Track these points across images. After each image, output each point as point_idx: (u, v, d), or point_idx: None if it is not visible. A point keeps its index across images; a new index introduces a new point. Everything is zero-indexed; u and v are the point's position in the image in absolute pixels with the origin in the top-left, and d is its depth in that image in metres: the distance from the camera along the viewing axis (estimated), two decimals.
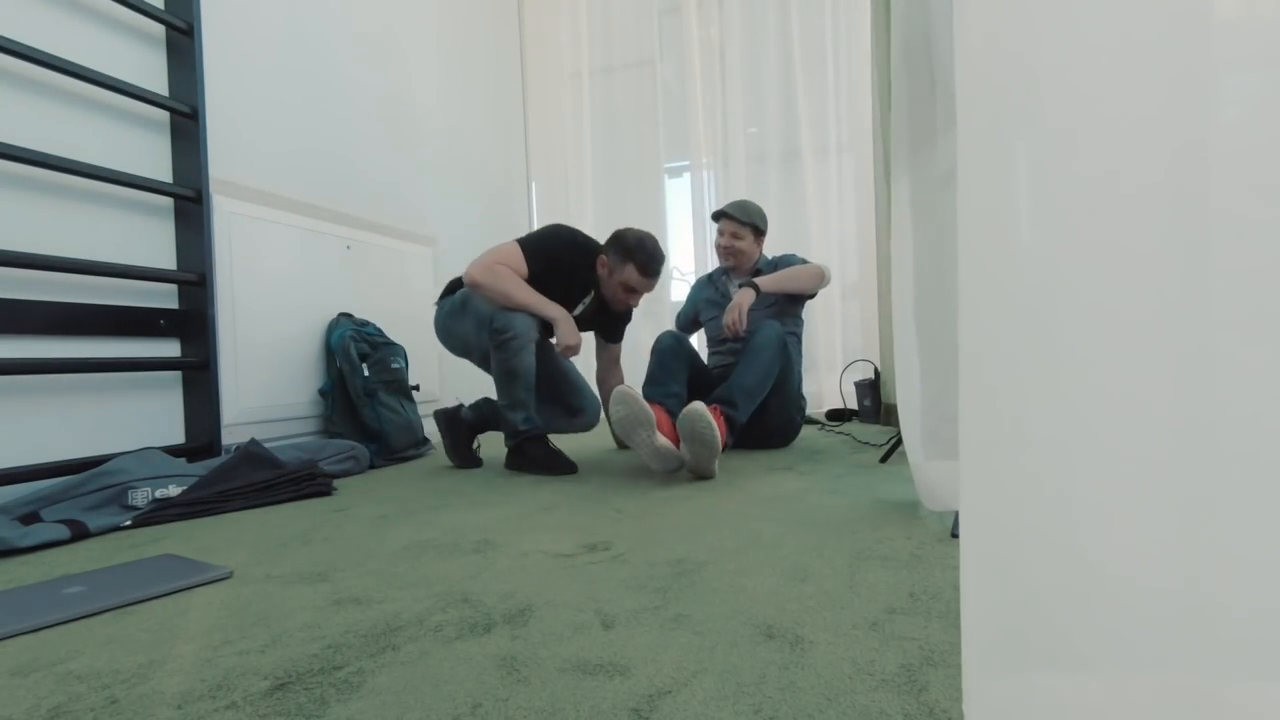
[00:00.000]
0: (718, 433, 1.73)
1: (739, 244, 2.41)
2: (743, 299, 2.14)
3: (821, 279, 2.30)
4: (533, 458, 2.03)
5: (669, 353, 2.13)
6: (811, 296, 2.50)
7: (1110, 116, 0.39)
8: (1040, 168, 0.42)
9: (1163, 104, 0.38)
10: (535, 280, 2.06)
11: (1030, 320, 0.42)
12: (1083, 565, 0.40)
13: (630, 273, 2.08)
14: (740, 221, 2.41)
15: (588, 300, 2.23)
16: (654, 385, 2.05)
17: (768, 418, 2.25)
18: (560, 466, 1.99)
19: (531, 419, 2.06)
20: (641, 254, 2.07)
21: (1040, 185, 0.42)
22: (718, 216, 2.48)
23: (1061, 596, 0.41)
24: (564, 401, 2.26)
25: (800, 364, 2.49)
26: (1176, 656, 0.37)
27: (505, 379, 2.01)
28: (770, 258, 2.53)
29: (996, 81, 0.43)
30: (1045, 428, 0.42)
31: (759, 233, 2.45)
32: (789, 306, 2.47)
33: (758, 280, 2.20)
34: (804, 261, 2.45)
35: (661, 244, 2.29)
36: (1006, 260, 0.43)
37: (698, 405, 1.73)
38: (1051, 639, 0.42)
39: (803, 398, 2.45)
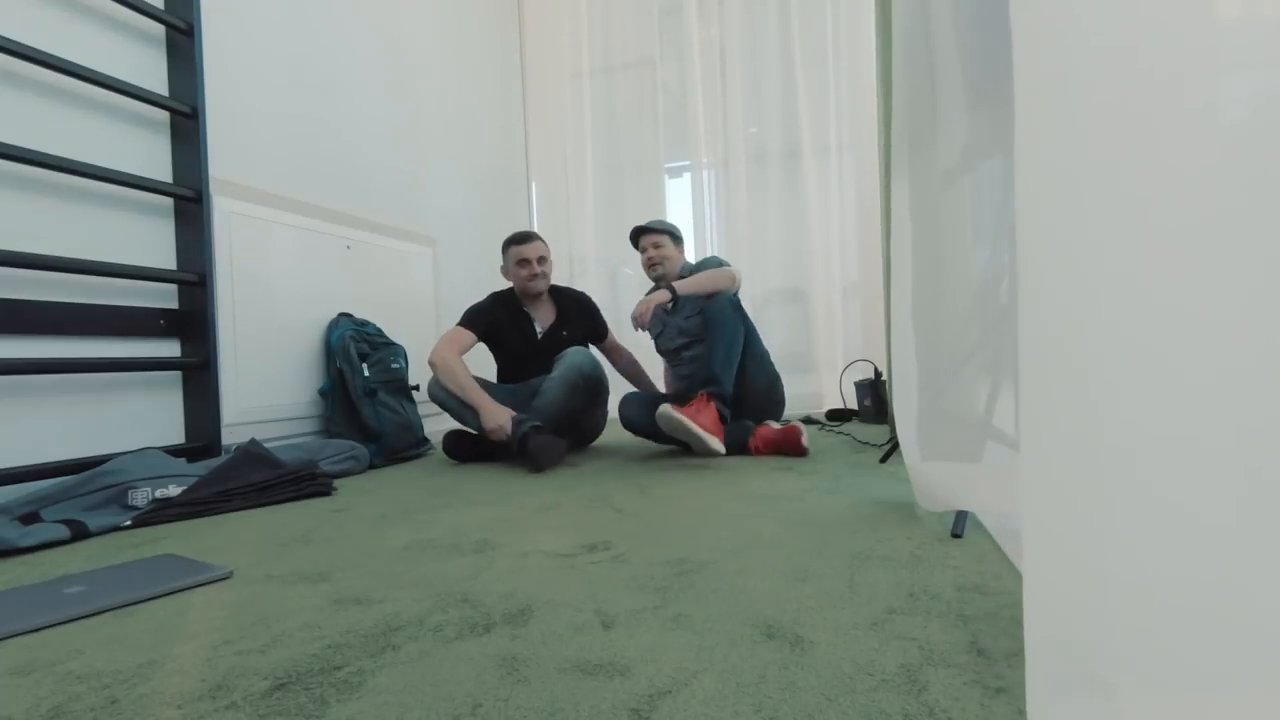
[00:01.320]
0: (691, 425, 1.91)
1: (662, 251, 2.51)
2: (655, 296, 2.21)
3: (733, 280, 2.36)
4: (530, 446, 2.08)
5: (637, 421, 2.27)
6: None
7: (1190, 100, 0.36)
8: (1113, 155, 0.39)
9: (1253, 89, 0.35)
10: (485, 335, 2.43)
11: (1105, 313, 0.39)
12: (1160, 579, 0.37)
13: (513, 252, 2.46)
14: (658, 231, 2.54)
15: (536, 321, 2.50)
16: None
17: (751, 387, 2.29)
18: (540, 457, 2.01)
19: (523, 419, 2.15)
20: (511, 237, 2.50)
21: (1113, 173, 0.39)
22: (636, 236, 2.56)
23: (1137, 614, 0.38)
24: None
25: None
26: (1263, 676, 0.34)
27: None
28: (692, 264, 2.58)
29: (1060, 62, 0.41)
30: (1122, 432, 0.38)
31: (676, 239, 2.56)
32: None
33: (674, 284, 2.25)
34: (721, 264, 2.48)
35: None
36: (1073, 251, 0.40)
37: (663, 410, 1.92)
38: (1126, 660, 0.38)
39: (775, 369, 2.47)
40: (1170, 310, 0.37)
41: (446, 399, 2.25)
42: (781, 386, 2.44)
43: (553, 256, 2.57)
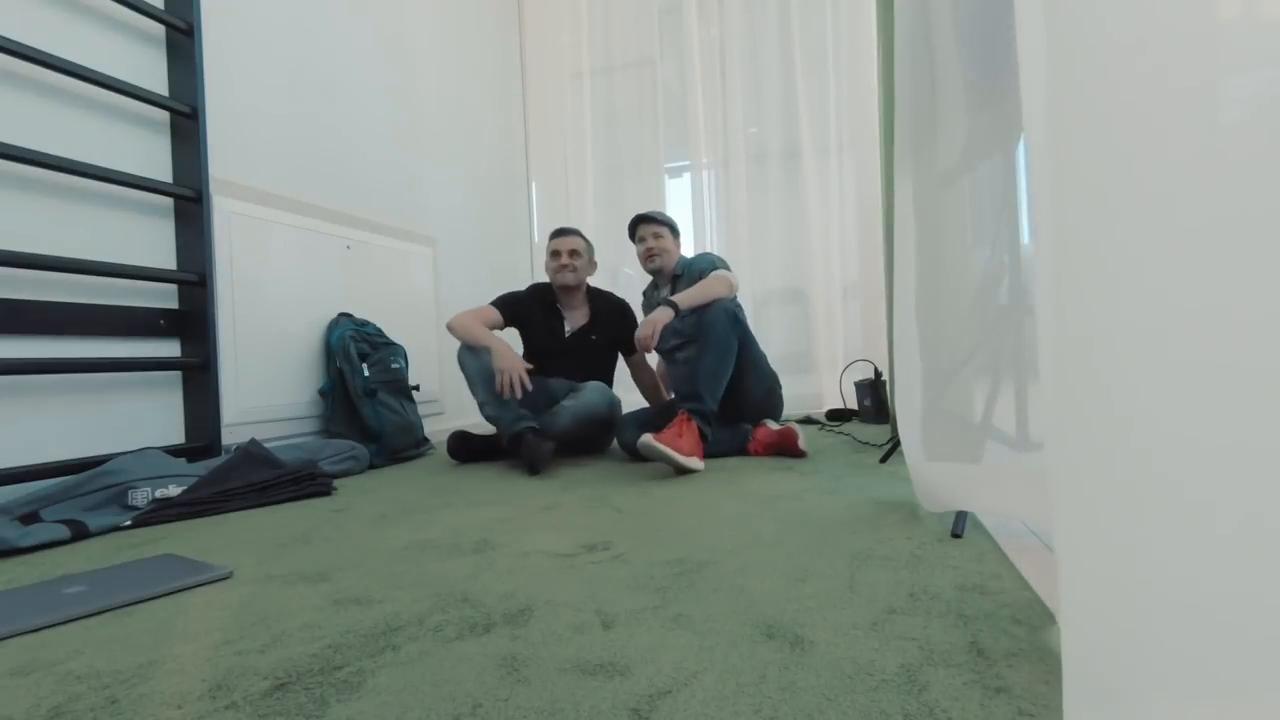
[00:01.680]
0: (669, 451, 1.88)
1: (661, 242, 2.49)
2: (660, 316, 2.18)
3: (730, 287, 2.29)
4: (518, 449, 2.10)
5: (634, 446, 2.22)
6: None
7: (1207, 99, 0.36)
8: (1135, 154, 0.38)
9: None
10: (512, 321, 2.44)
11: (1129, 314, 0.38)
12: (1190, 586, 0.37)
13: (548, 245, 2.50)
14: (659, 222, 2.52)
15: (568, 321, 2.49)
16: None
17: (749, 392, 2.27)
18: (533, 455, 2.02)
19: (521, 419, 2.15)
20: (551, 231, 2.54)
21: (1136, 173, 0.38)
22: (635, 225, 2.54)
23: (1176, 616, 0.37)
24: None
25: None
26: None
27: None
28: (688, 259, 2.55)
29: (1093, 56, 0.40)
30: (1149, 436, 0.37)
31: (675, 231, 2.55)
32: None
33: (675, 299, 2.22)
34: (714, 263, 2.44)
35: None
36: (1098, 252, 0.40)
37: (644, 440, 1.90)
38: (1166, 664, 0.37)
39: (773, 371, 2.44)
40: (1196, 310, 0.37)
41: (470, 361, 2.21)
42: (780, 389, 2.43)
43: (596, 259, 2.57)
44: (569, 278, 2.44)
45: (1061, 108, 0.42)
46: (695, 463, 1.94)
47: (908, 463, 1.28)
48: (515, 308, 2.44)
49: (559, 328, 2.48)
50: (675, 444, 1.91)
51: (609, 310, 2.56)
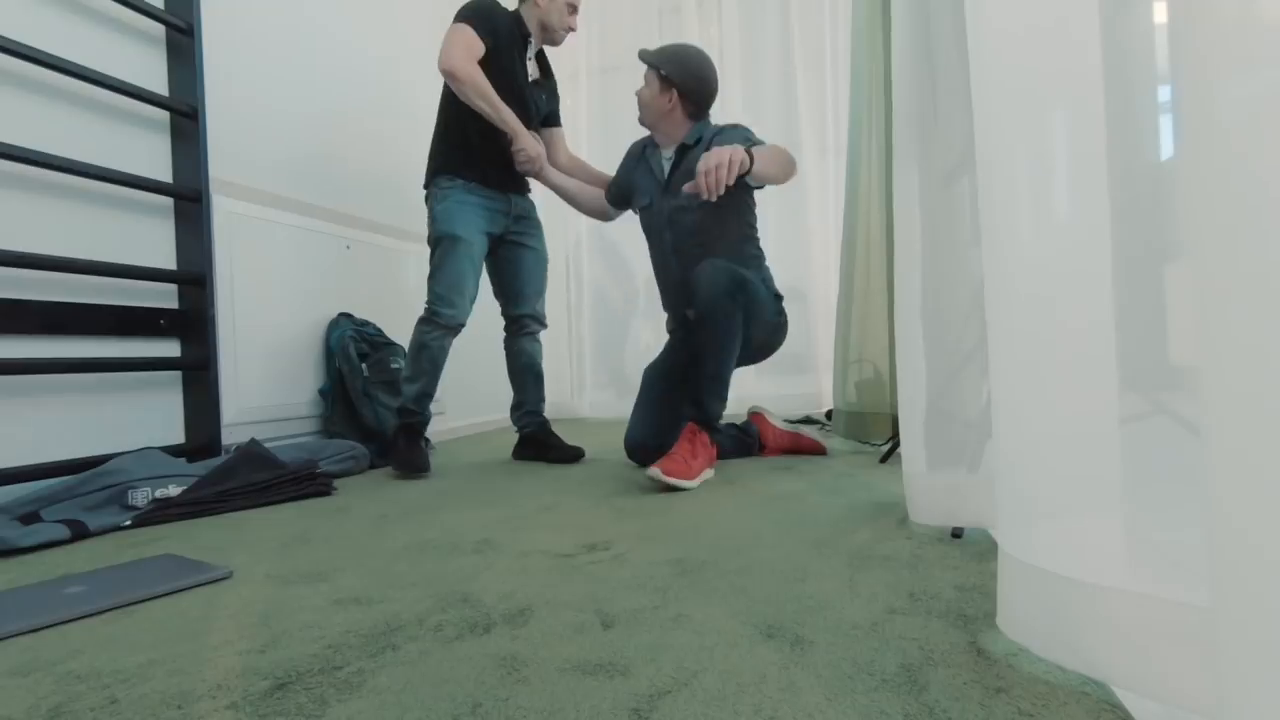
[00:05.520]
0: (681, 483, 1.67)
1: (642, 93, 1.98)
2: (735, 155, 1.59)
3: (794, 165, 1.90)
4: (396, 447, 2.07)
5: (643, 442, 2.05)
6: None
7: None
8: None
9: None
10: (490, 52, 1.94)
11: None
12: None
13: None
14: (646, 64, 1.98)
15: (531, 59, 2.09)
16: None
17: (748, 342, 1.96)
18: (414, 464, 1.98)
19: (421, 402, 2.08)
20: None
21: None
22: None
23: None
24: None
25: (763, 263, 2.13)
26: None
27: (413, 351, 2.10)
28: (712, 126, 2.02)
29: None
30: None
31: (672, 82, 1.93)
32: (734, 197, 1.90)
33: (755, 152, 1.68)
34: (749, 139, 1.88)
35: None
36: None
37: (650, 473, 1.69)
38: None
39: (777, 295, 2.10)
40: None
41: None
42: (783, 327, 2.13)
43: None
44: (561, 39, 2.05)
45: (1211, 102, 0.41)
46: (708, 474, 1.81)
47: (904, 470, 1.26)
48: (492, 29, 1.91)
49: (523, 68, 2.00)
50: (688, 469, 1.71)
51: (550, 71, 2.17)
